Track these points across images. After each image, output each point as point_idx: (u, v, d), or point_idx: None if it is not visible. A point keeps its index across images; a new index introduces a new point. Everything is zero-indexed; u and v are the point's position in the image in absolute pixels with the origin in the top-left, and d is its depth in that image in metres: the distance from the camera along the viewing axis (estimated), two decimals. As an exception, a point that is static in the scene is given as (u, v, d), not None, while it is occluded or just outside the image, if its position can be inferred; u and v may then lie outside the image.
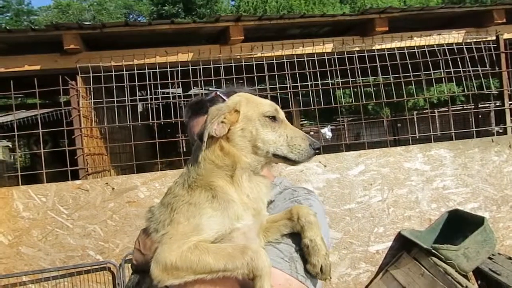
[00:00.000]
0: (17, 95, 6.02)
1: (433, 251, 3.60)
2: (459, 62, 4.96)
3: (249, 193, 1.33)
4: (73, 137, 4.26)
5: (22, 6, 35.03)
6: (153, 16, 31.14)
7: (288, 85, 4.96)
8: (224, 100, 1.53)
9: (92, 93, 4.49)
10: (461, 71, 4.89)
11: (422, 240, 3.95)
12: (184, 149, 10.81)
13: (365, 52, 4.88)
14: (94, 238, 4.01)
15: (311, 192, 1.60)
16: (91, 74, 4.36)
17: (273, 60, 4.79)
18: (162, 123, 4.79)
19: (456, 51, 4.88)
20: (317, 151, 1.35)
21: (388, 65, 4.72)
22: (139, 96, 5.66)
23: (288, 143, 1.34)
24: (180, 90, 6.58)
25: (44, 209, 3.98)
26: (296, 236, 1.34)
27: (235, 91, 1.58)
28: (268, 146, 1.33)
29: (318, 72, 4.67)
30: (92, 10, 33.67)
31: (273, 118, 1.37)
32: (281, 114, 1.41)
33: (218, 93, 1.65)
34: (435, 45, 4.95)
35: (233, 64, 4.62)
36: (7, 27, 5.47)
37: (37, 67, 4.56)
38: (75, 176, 4.21)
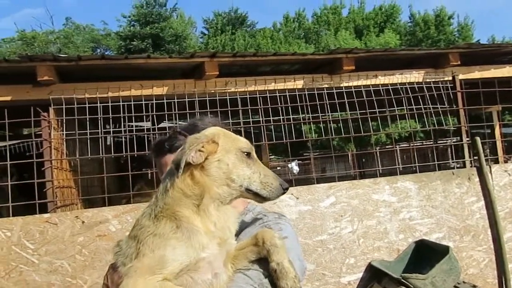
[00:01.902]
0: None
1: (402, 280, 3.69)
2: (420, 100, 5.30)
3: (216, 221, 1.33)
4: (42, 169, 4.16)
5: (-17, 37, 34.15)
6: (121, 51, 31.00)
7: (260, 119, 5.10)
8: (185, 136, 1.53)
9: (64, 125, 4.44)
10: (422, 108, 5.21)
11: (391, 270, 4.03)
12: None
13: (334, 89, 5.12)
14: (61, 274, 3.84)
15: (282, 216, 1.63)
16: (64, 106, 4.32)
17: (247, 95, 4.94)
18: (133, 155, 4.76)
19: (417, 89, 5.22)
20: (285, 191, 1.42)
21: (355, 101, 4.97)
22: (110, 128, 5.62)
23: (261, 180, 1.39)
24: (149, 124, 6.57)
25: (9, 244, 3.79)
26: (265, 262, 1.35)
27: (195, 123, 1.62)
28: (242, 180, 1.37)
29: (289, 107, 4.84)
30: (59, 43, 33.18)
31: (248, 155, 1.41)
32: (254, 153, 1.46)
33: (177, 129, 1.65)
34: (398, 84, 5.26)
35: (207, 98, 4.72)
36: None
37: (8, 98, 4.49)
38: (41, 209, 4.08)
